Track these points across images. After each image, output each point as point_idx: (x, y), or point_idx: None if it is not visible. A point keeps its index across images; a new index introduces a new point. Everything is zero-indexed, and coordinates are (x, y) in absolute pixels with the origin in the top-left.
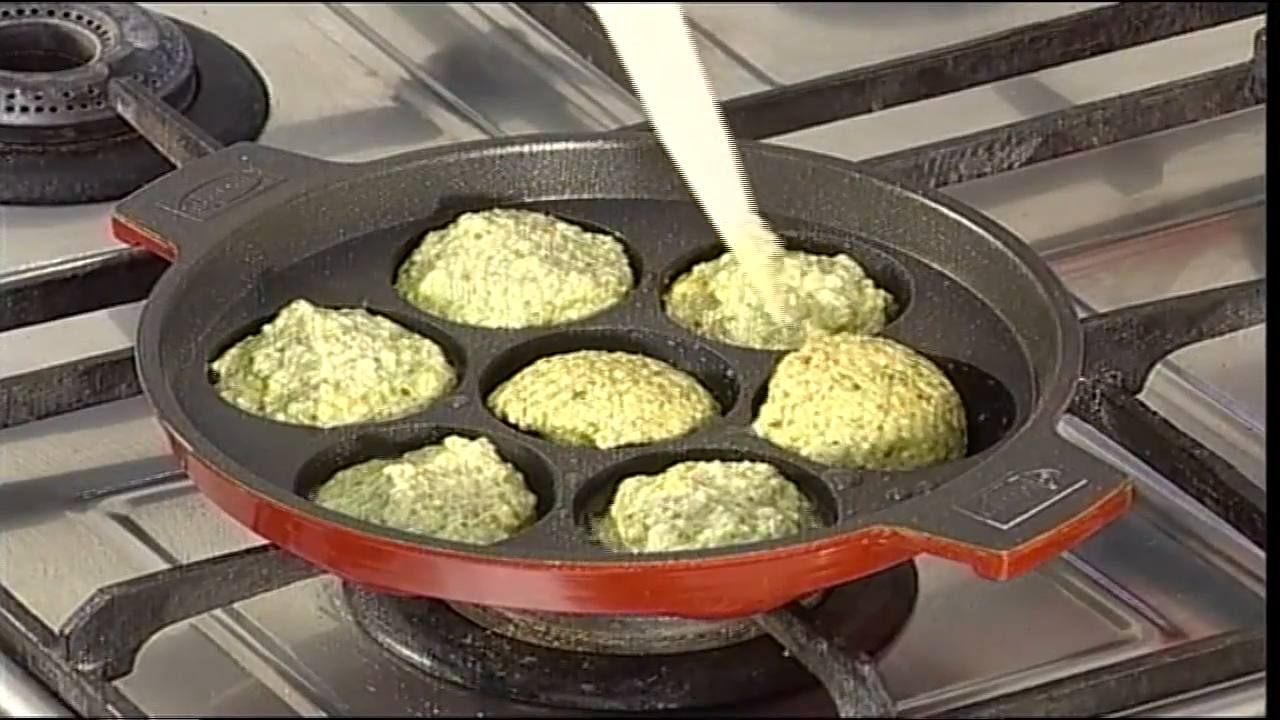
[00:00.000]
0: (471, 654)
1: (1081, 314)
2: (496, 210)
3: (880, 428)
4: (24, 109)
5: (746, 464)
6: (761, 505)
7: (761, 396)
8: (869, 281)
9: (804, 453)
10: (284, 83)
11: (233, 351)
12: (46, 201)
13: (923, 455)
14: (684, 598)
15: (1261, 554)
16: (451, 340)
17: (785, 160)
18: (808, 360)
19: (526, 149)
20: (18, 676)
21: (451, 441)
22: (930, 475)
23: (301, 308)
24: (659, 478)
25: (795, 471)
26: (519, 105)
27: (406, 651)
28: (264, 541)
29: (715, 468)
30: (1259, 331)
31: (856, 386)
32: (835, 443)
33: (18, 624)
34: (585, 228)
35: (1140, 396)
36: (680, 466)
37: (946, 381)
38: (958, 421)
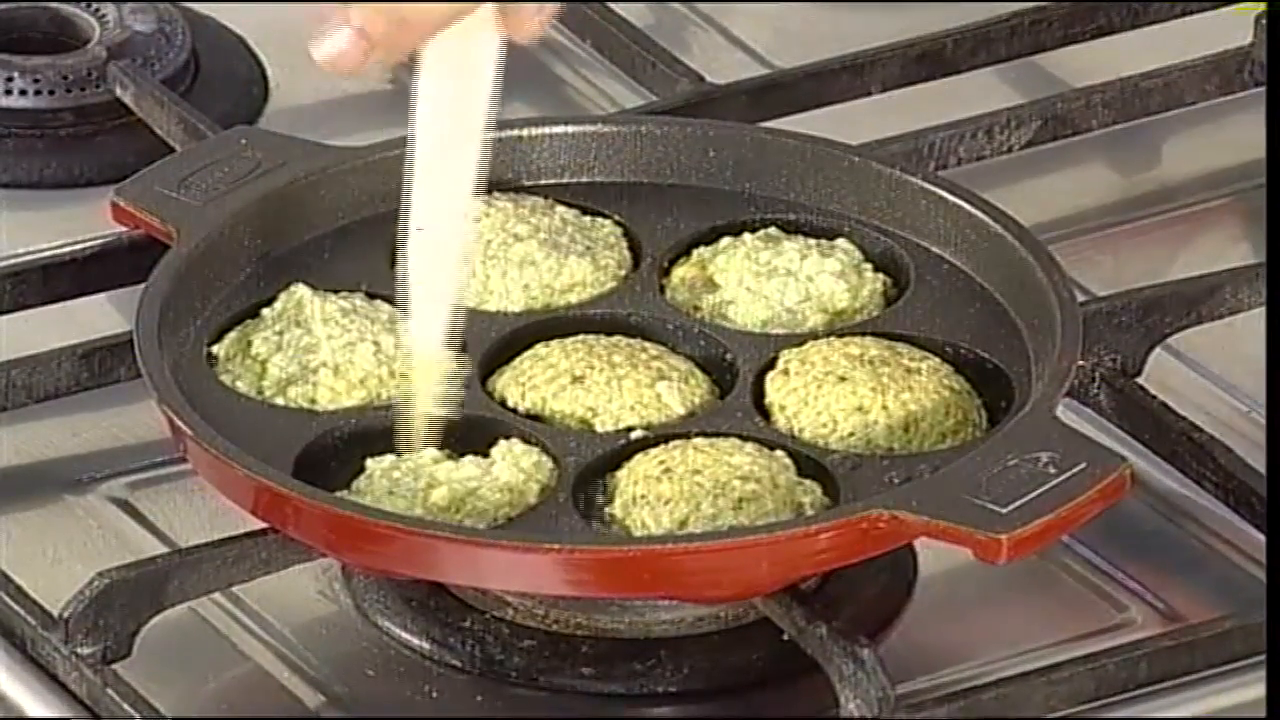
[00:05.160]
0: (470, 637)
1: (1081, 297)
2: (495, 193)
3: (885, 407)
4: (23, 92)
5: (746, 445)
6: (762, 488)
7: (761, 412)
8: (868, 265)
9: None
10: (283, 66)
11: (231, 335)
12: (45, 185)
13: (941, 422)
14: (683, 581)
15: (1261, 537)
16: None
17: (784, 144)
18: (786, 371)
19: (525, 132)
20: (17, 660)
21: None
22: (930, 459)
23: (300, 291)
24: (658, 461)
25: (795, 454)
26: (517, 88)
27: (405, 635)
28: (263, 525)
29: (714, 451)
30: (1258, 315)
31: (843, 379)
32: (851, 434)
33: (17, 607)
34: (584, 211)
35: (1139, 380)
36: (679, 450)
37: (929, 356)
38: (959, 385)
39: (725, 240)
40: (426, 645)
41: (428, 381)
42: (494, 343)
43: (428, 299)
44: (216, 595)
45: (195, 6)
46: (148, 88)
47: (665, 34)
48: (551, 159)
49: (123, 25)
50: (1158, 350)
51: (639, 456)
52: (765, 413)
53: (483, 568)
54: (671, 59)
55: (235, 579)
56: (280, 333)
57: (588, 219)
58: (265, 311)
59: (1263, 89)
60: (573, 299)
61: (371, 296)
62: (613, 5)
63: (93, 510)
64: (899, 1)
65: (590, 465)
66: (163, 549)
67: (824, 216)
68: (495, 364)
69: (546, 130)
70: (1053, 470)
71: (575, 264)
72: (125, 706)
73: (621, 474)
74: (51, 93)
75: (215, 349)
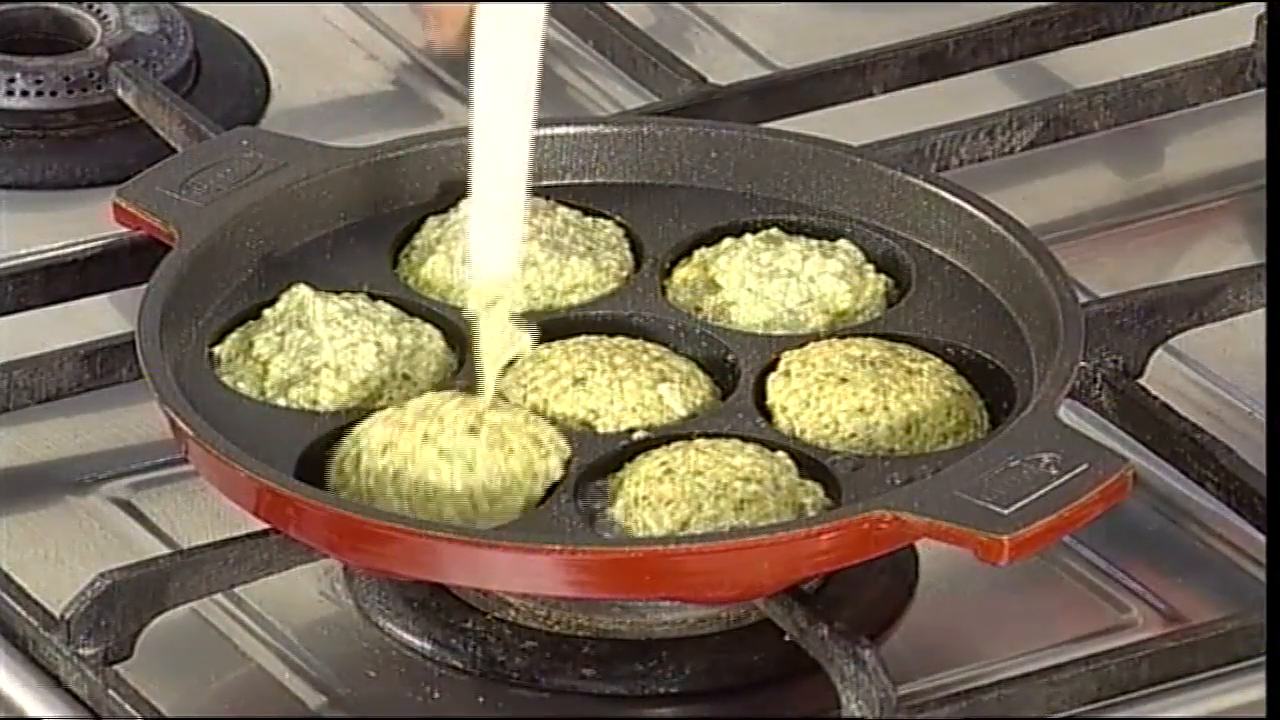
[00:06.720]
0: (472, 639)
1: (1082, 298)
2: None
3: (886, 408)
4: (24, 93)
5: (748, 447)
6: (763, 489)
7: (763, 414)
8: (870, 266)
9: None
10: (284, 66)
11: (233, 336)
12: (47, 186)
13: (943, 423)
14: (684, 582)
15: (1262, 538)
16: (452, 325)
17: (786, 145)
18: (788, 373)
19: None
20: (18, 661)
21: None
22: (932, 460)
23: (302, 291)
24: (660, 463)
25: (797, 455)
26: None
27: (407, 636)
28: (264, 526)
29: (716, 452)
30: (1259, 316)
31: (844, 380)
32: (853, 435)
33: (18, 608)
34: (586, 212)
35: (1141, 381)
36: (680, 451)
37: (931, 357)
38: (961, 386)
39: (727, 241)
40: (428, 646)
41: (490, 305)
42: None
43: (490, 222)
44: (218, 596)
45: (197, 7)
46: (149, 89)
47: (667, 35)
48: (553, 160)
49: (124, 26)
50: (1159, 351)
51: (640, 457)
52: (767, 414)
53: (484, 569)
54: (673, 60)
55: (237, 580)
56: (282, 333)
57: (589, 220)
58: (267, 312)
59: (1264, 90)
60: (574, 300)
61: (374, 297)
62: (614, 5)
63: (94, 511)
64: (901, 2)
65: (592, 466)
66: (164, 550)
67: (826, 217)
68: None
69: (548, 131)
70: (1054, 471)
71: (577, 265)
72: (127, 707)
73: (623, 475)
74: (53, 94)
75: (217, 350)
